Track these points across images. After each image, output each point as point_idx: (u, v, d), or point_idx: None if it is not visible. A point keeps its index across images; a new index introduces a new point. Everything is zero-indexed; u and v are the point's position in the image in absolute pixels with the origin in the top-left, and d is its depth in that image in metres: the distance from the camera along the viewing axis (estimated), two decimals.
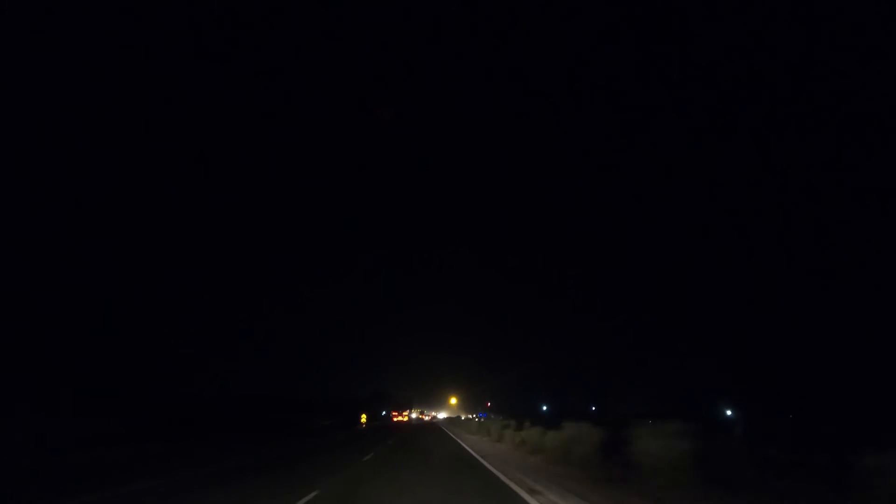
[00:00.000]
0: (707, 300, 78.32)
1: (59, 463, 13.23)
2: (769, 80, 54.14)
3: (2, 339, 20.25)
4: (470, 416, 72.01)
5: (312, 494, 7.79)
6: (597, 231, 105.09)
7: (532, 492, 8.01)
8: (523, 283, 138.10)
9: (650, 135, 78.75)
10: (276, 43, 57.13)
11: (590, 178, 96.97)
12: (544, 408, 57.53)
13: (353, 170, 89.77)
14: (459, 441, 22.61)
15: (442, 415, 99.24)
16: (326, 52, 56.86)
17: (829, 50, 49.67)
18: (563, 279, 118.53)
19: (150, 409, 24.33)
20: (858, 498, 5.69)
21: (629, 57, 64.98)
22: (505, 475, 10.09)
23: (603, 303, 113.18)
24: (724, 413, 37.35)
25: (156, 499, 7.72)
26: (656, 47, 58.11)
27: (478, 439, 23.79)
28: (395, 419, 75.06)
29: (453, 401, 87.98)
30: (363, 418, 39.03)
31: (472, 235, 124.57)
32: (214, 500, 7.64)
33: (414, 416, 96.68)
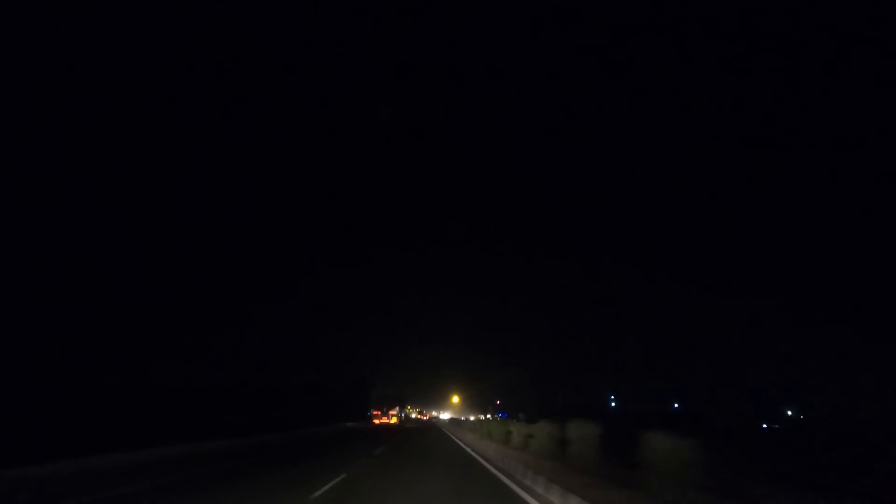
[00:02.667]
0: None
1: None
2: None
3: None
4: (483, 417, 59.77)
5: None
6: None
7: None
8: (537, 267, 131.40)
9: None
10: (276, 42, 56.05)
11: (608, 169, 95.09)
12: (612, 403, 51.82)
13: (351, 163, 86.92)
14: None
15: (445, 415, 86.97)
16: (325, 48, 55.95)
17: None
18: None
19: None
20: None
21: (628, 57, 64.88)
22: None
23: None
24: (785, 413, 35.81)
25: None
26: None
27: None
28: (376, 421, 51.74)
29: (455, 399, 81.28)
30: None
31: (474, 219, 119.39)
32: None
33: (413, 416, 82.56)
